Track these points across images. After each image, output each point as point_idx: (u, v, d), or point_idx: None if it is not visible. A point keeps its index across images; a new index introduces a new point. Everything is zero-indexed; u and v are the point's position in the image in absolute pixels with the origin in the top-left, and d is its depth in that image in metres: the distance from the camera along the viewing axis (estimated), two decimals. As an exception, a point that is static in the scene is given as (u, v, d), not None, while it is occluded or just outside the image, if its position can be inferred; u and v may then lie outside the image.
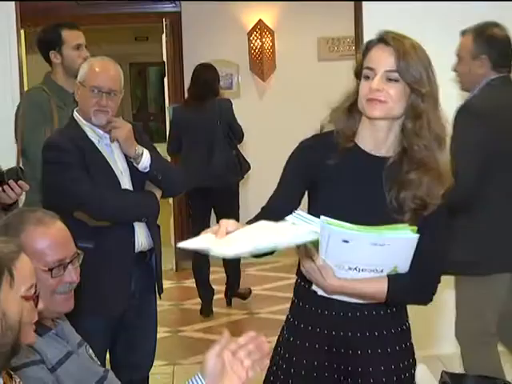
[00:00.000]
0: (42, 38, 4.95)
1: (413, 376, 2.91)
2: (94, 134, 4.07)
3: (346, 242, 2.62)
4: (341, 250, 2.66)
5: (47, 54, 4.87)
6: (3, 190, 3.56)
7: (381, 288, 2.74)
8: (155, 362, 4.39)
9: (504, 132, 4.18)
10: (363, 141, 2.83)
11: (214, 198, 7.48)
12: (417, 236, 2.62)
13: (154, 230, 4.18)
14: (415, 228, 2.63)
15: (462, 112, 4.14)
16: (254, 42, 9.53)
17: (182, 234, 9.32)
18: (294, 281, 2.97)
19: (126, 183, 4.07)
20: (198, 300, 7.49)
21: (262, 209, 2.87)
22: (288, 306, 3.00)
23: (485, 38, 4.30)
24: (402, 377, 2.86)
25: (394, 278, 2.73)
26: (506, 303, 4.28)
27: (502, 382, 3.44)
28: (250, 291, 7.72)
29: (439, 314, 5.10)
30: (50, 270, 2.60)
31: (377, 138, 2.81)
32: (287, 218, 2.61)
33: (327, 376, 2.85)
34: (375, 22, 5.16)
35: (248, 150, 9.08)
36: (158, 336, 4.40)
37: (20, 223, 2.62)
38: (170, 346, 6.14)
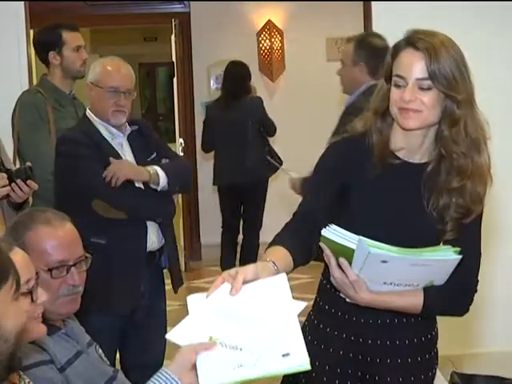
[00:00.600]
0: (41, 38, 4.95)
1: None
2: (107, 132, 4.10)
3: (385, 262, 2.54)
4: (378, 269, 2.58)
5: (45, 55, 4.86)
6: (12, 190, 3.56)
7: (416, 302, 2.66)
8: (165, 362, 4.38)
9: None
10: (396, 146, 2.72)
11: (245, 195, 7.67)
12: (459, 257, 2.53)
13: (167, 230, 4.19)
14: (458, 249, 2.54)
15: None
16: (263, 42, 9.52)
17: (191, 234, 9.33)
18: (311, 279, 2.91)
19: (138, 183, 4.09)
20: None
21: (294, 215, 2.75)
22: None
23: (364, 46, 4.57)
24: None
25: (430, 292, 2.65)
26: None
27: (511, 381, 3.42)
28: None
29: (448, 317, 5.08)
30: (50, 270, 2.59)
31: (411, 145, 2.70)
32: (323, 232, 2.55)
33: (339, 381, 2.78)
34: (384, 21, 5.14)
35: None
36: (171, 308, 4.40)
37: (29, 222, 2.64)
38: (177, 345, 6.12)
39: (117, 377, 2.72)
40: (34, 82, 5.59)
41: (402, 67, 2.61)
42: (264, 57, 9.54)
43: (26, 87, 5.12)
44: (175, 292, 4.38)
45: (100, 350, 2.79)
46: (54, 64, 4.83)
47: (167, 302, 4.32)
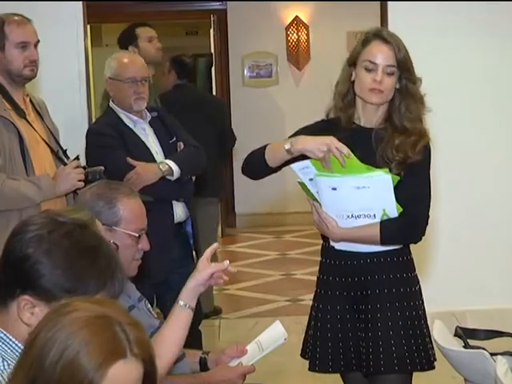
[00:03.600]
0: (121, 35, 5.38)
1: (420, 316, 3.00)
2: (129, 120, 4.09)
3: (335, 189, 2.87)
4: (333, 199, 2.90)
5: (126, 48, 5.09)
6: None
7: (374, 232, 2.91)
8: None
9: None
10: (358, 117, 3.05)
11: None
12: (388, 175, 2.83)
13: (190, 204, 4.20)
14: (387, 169, 2.85)
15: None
16: (291, 35, 9.49)
17: (227, 204, 9.34)
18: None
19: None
20: (242, 262, 7.51)
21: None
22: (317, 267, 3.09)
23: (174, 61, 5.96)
24: (407, 314, 2.97)
25: (384, 222, 2.91)
26: None
27: (510, 335, 3.42)
28: None
29: (452, 275, 5.08)
30: (137, 237, 2.63)
31: (369, 114, 3.04)
32: (298, 179, 2.94)
33: (348, 317, 3.00)
34: (400, 20, 5.08)
35: (286, 132, 9.03)
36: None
37: (114, 193, 2.65)
38: (216, 302, 6.17)
39: (163, 328, 2.75)
40: (91, 72, 5.63)
41: (374, 55, 2.97)
42: (292, 48, 9.51)
43: (83, 77, 5.15)
44: (197, 258, 4.37)
45: (149, 305, 2.83)
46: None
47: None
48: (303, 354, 3.14)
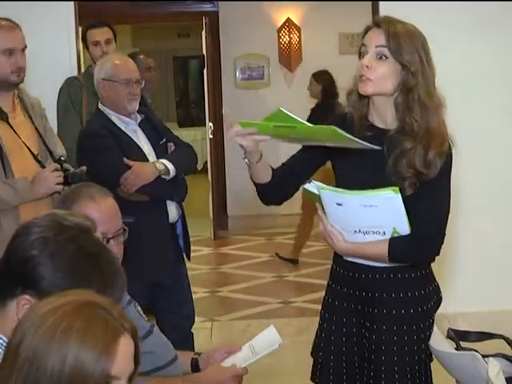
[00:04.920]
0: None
1: (427, 338, 2.83)
2: (120, 121, 4.08)
3: (340, 205, 2.63)
4: (339, 214, 2.67)
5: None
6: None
7: (382, 250, 2.67)
8: (196, 319, 4.41)
9: None
10: (372, 117, 2.76)
11: None
12: (398, 195, 2.56)
13: (181, 204, 4.21)
14: (397, 189, 2.57)
15: None
16: (282, 37, 9.49)
17: (219, 207, 9.34)
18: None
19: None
20: (234, 264, 7.50)
21: (283, 164, 2.85)
22: (312, 270, 3.02)
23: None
24: (415, 338, 2.78)
25: (393, 241, 2.66)
26: None
27: (501, 337, 3.42)
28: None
29: (445, 277, 5.09)
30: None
31: (379, 113, 2.73)
32: (304, 185, 2.73)
33: (355, 331, 2.82)
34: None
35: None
36: (199, 296, 4.44)
37: (75, 196, 2.62)
38: (208, 304, 6.16)
39: (153, 331, 2.74)
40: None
41: (366, 38, 2.69)
42: (283, 50, 9.51)
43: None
44: (188, 259, 4.38)
45: (139, 307, 2.81)
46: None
47: (197, 266, 4.33)
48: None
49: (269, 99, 9.42)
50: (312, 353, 2.96)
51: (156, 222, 4.05)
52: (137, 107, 4.10)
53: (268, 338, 2.74)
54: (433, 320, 2.86)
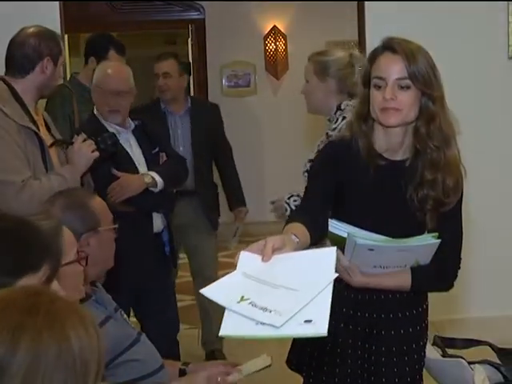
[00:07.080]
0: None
1: (423, 356, 2.83)
2: (112, 129, 4.02)
3: (372, 250, 2.55)
4: (366, 256, 2.59)
5: (87, 58, 5.10)
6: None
7: (404, 281, 2.65)
8: (181, 326, 4.40)
9: None
10: (381, 147, 2.63)
11: None
12: (438, 241, 2.55)
13: (168, 215, 4.20)
14: (436, 234, 2.55)
15: None
16: (269, 45, 9.50)
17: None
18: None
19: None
20: (223, 272, 7.47)
21: (298, 208, 2.76)
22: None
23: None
24: (415, 357, 2.78)
25: (417, 271, 2.64)
26: None
27: (487, 344, 3.43)
28: None
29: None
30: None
31: (392, 143, 2.62)
32: (332, 229, 2.60)
33: (350, 353, 2.77)
34: (377, 22, 5.07)
35: (264, 142, 9.06)
36: (185, 304, 4.41)
37: (80, 198, 2.74)
38: (194, 312, 6.15)
39: (140, 339, 2.73)
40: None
41: (381, 69, 2.54)
42: (270, 58, 9.52)
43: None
44: (175, 267, 4.37)
45: (125, 315, 2.81)
46: (90, 67, 4.88)
47: (180, 297, 4.30)
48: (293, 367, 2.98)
49: (255, 107, 9.43)
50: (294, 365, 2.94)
51: (139, 233, 4.02)
52: (118, 120, 4.03)
53: (259, 363, 2.69)
54: (427, 338, 2.87)
